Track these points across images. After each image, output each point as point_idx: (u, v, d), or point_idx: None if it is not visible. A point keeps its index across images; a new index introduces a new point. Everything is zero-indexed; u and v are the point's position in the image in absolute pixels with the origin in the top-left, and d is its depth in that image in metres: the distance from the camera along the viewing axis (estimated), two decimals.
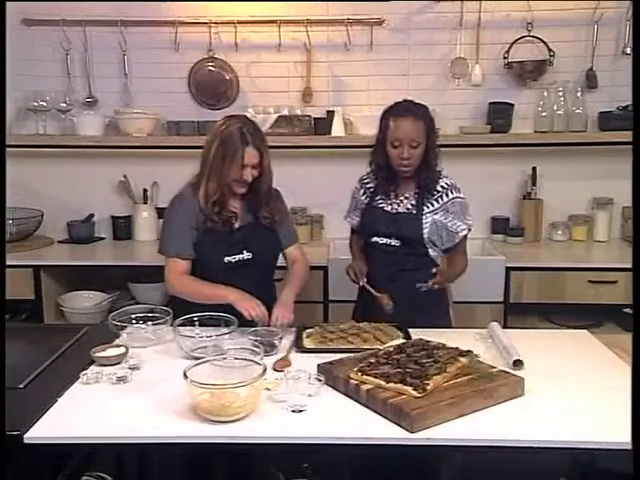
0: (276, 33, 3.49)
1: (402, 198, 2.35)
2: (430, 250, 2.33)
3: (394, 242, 2.33)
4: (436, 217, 2.29)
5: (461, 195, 2.33)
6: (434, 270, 2.23)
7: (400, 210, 2.33)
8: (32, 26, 3.54)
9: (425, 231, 2.29)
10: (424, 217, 2.29)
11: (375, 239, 2.37)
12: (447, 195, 2.30)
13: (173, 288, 2.22)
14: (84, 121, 3.52)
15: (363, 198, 2.45)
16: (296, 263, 2.39)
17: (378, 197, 2.39)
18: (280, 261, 2.42)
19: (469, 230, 2.35)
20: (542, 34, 3.44)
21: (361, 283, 2.34)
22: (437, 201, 2.30)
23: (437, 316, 2.35)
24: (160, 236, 2.32)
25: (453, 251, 2.36)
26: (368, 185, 2.45)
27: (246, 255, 2.24)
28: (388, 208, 2.36)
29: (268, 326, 2.06)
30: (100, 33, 3.55)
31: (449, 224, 2.30)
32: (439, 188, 2.31)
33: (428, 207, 2.30)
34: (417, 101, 2.31)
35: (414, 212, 2.31)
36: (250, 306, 2.05)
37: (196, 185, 2.22)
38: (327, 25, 3.51)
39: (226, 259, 2.21)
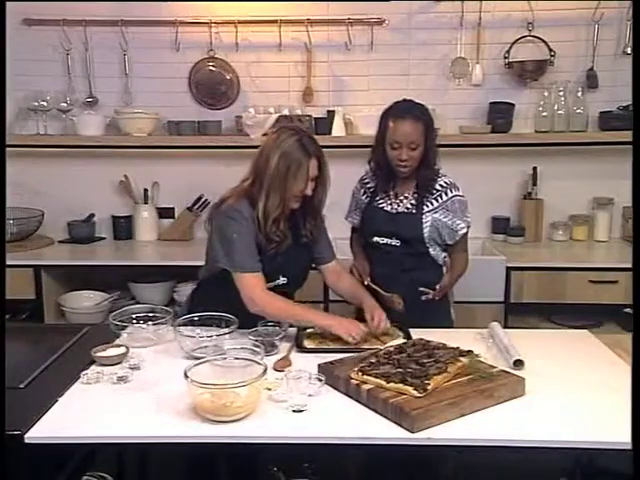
0: (276, 33, 3.49)
1: (402, 198, 2.35)
2: (431, 249, 2.33)
3: (394, 242, 2.33)
4: (436, 216, 2.30)
5: (460, 193, 2.33)
6: (437, 287, 2.26)
7: (400, 210, 2.34)
8: (32, 26, 3.54)
9: (425, 230, 2.30)
10: (424, 216, 2.30)
11: (376, 239, 2.37)
12: (446, 194, 2.30)
13: (260, 306, 2.04)
14: (85, 121, 3.52)
15: (363, 198, 2.45)
16: (343, 278, 2.33)
17: (378, 197, 2.40)
18: None
19: (468, 227, 2.36)
20: (543, 34, 3.44)
21: (365, 282, 2.33)
22: (437, 200, 2.31)
23: (439, 316, 2.35)
24: (223, 250, 2.09)
25: (453, 249, 2.37)
26: (368, 185, 2.45)
27: (281, 280, 2.17)
28: (388, 208, 2.36)
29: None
30: (100, 33, 3.55)
31: (449, 222, 2.30)
32: (438, 187, 2.31)
33: (428, 206, 2.31)
34: (417, 101, 2.31)
35: (414, 212, 2.32)
36: (350, 332, 2.01)
37: (251, 198, 2.09)
38: (327, 25, 3.51)
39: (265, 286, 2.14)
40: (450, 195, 2.30)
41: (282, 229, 2.12)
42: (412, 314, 2.20)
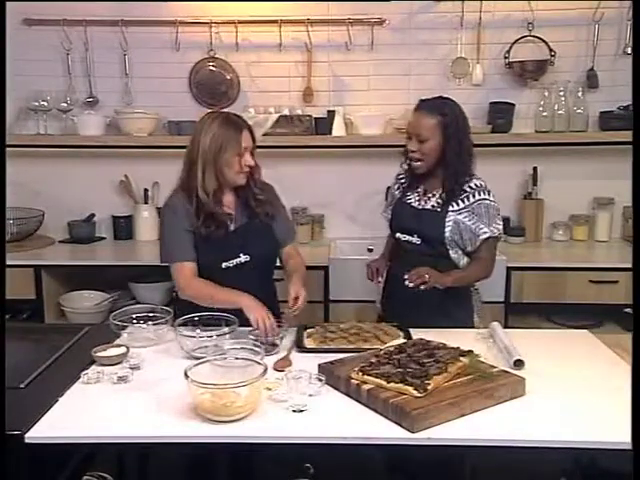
0: (277, 33, 3.49)
1: (430, 195, 2.32)
2: (451, 251, 2.27)
3: (415, 240, 2.30)
4: (460, 217, 2.23)
5: (490, 198, 2.25)
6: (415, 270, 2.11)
7: (426, 207, 2.31)
8: (32, 26, 3.55)
9: (447, 230, 2.24)
10: (447, 216, 2.25)
11: (398, 235, 2.37)
12: (474, 196, 2.23)
13: (184, 292, 2.16)
14: (85, 121, 3.52)
15: (397, 193, 2.45)
16: (292, 258, 2.33)
17: (409, 193, 2.39)
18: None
19: (496, 238, 2.26)
20: (543, 34, 3.44)
21: (374, 282, 2.32)
22: (463, 201, 2.24)
23: (458, 320, 2.30)
24: (159, 245, 2.25)
25: (474, 254, 2.28)
26: (402, 180, 2.45)
27: (243, 258, 2.20)
28: (415, 204, 2.35)
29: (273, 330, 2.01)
30: (101, 33, 3.55)
31: (472, 226, 2.22)
32: (467, 188, 2.25)
33: (453, 206, 2.25)
34: (449, 97, 2.32)
35: (438, 210, 2.27)
36: (261, 316, 2.00)
37: (185, 189, 2.18)
38: (328, 25, 3.52)
39: (224, 264, 2.18)
40: (478, 198, 2.23)
41: (223, 212, 2.18)
42: (427, 314, 2.17)
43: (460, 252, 2.29)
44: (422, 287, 2.08)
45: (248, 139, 2.16)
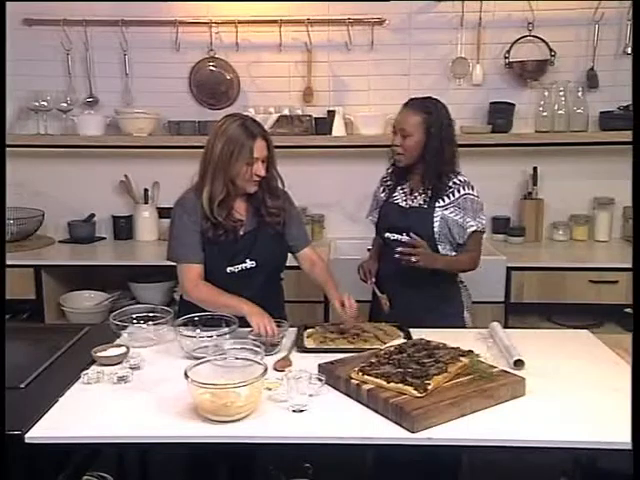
0: (277, 33, 3.49)
1: (416, 194, 2.35)
2: (440, 247, 2.30)
3: (405, 239, 2.30)
4: (446, 213, 2.28)
5: (474, 193, 2.31)
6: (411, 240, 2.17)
7: (413, 205, 2.34)
8: (32, 26, 3.55)
9: (435, 225, 2.28)
10: (435, 212, 2.29)
11: (387, 235, 2.38)
12: (459, 191, 2.28)
13: (189, 295, 2.14)
14: (85, 121, 3.52)
15: (382, 195, 2.47)
16: (316, 265, 2.32)
17: (395, 193, 2.41)
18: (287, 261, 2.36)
19: (480, 231, 2.31)
20: (543, 34, 3.44)
21: (369, 282, 2.35)
22: (448, 197, 2.29)
23: (448, 316, 2.32)
24: (168, 242, 2.23)
25: (462, 248, 2.33)
26: (387, 183, 2.47)
27: (249, 264, 2.19)
28: (403, 204, 2.37)
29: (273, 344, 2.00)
30: (101, 33, 3.55)
31: (460, 220, 2.27)
32: (451, 184, 2.29)
33: (439, 202, 2.29)
34: (436, 98, 2.34)
35: (425, 207, 2.31)
36: (262, 322, 1.99)
37: (198, 190, 2.15)
38: (328, 25, 3.51)
39: (228, 269, 2.17)
40: (462, 193, 2.28)
41: (234, 218, 2.16)
42: (418, 312, 2.19)
43: (448, 247, 2.33)
44: (409, 264, 2.15)
45: (262, 148, 2.11)
